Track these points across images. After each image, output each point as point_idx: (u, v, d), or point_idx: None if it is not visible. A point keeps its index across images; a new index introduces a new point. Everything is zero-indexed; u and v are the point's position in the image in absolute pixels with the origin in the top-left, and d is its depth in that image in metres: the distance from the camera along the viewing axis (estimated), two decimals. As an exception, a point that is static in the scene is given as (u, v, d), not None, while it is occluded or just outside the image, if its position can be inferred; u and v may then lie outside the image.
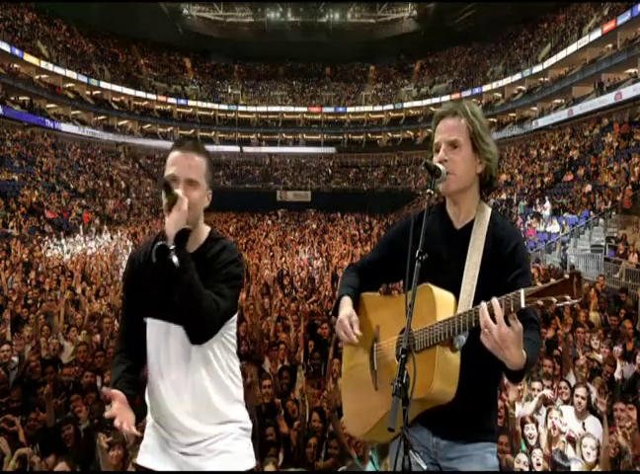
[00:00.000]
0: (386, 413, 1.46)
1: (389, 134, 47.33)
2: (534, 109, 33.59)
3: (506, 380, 4.78)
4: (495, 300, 1.41)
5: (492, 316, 1.41)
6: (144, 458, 1.81)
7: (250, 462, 1.82)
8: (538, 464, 3.83)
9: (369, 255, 1.98)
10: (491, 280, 1.61)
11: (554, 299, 1.33)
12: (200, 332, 1.66)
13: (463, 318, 1.50)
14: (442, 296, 1.60)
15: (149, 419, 1.85)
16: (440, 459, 1.70)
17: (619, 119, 23.14)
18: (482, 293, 1.58)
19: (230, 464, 1.76)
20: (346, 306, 1.79)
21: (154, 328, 1.78)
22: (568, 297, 1.31)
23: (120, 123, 42.16)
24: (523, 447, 4.11)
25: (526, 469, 3.76)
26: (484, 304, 1.43)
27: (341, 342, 1.86)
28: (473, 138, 1.67)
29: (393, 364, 1.65)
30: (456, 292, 1.62)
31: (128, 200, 31.41)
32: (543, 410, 4.43)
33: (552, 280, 1.35)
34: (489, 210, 1.73)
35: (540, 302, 1.34)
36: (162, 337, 1.76)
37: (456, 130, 1.67)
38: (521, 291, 1.37)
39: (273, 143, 48.37)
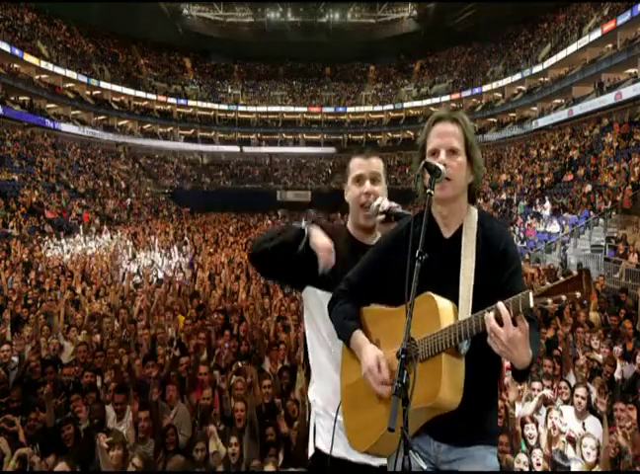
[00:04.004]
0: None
1: (389, 134, 47.34)
2: (534, 109, 33.58)
3: (506, 380, 4.79)
4: (501, 304, 1.41)
5: (497, 320, 1.41)
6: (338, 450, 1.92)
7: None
8: (538, 464, 3.83)
9: (356, 275, 1.88)
10: (487, 283, 1.61)
11: (564, 297, 1.32)
12: None
13: (469, 324, 1.48)
14: (444, 305, 1.58)
15: (322, 406, 2.02)
16: (440, 464, 1.68)
17: (619, 119, 23.15)
18: (480, 297, 1.58)
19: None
20: (367, 348, 1.70)
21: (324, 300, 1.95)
22: (578, 294, 1.31)
23: (120, 123, 42.15)
24: (523, 447, 4.11)
25: (526, 469, 3.76)
26: (488, 314, 1.43)
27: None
28: (468, 148, 1.69)
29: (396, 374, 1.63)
30: (454, 300, 1.61)
31: (128, 200, 31.41)
32: (543, 410, 4.43)
33: (561, 278, 1.34)
34: (475, 212, 1.74)
35: (550, 301, 1.34)
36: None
37: (456, 138, 1.68)
38: (530, 292, 1.37)
39: (273, 143, 48.36)
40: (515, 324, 1.39)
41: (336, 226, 2.18)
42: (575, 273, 1.33)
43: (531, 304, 1.36)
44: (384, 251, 1.82)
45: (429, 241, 1.65)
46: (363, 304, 1.84)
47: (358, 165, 2.09)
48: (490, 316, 1.42)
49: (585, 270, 1.32)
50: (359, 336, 1.74)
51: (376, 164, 2.09)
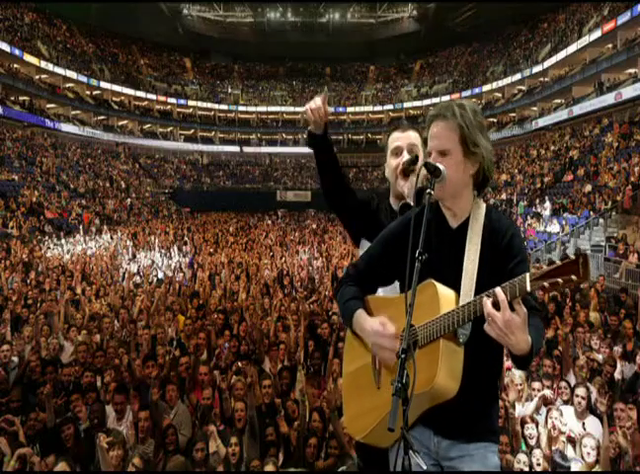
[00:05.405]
0: (388, 413, 1.46)
1: (389, 134, 47.30)
2: (534, 109, 33.59)
3: (506, 380, 4.79)
4: (497, 289, 1.41)
5: (494, 305, 1.41)
6: None
7: None
8: (538, 464, 3.83)
9: (363, 261, 1.90)
10: (490, 274, 1.61)
11: (560, 280, 1.32)
12: None
13: (467, 308, 1.49)
14: (445, 292, 1.59)
15: None
16: (441, 459, 1.69)
17: (619, 119, 23.14)
18: (482, 287, 1.57)
19: None
20: (367, 318, 1.71)
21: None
22: (574, 277, 1.30)
23: (120, 123, 42.15)
24: (523, 447, 4.11)
25: (526, 469, 3.76)
26: (485, 298, 1.43)
27: (341, 341, 1.83)
28: (463, 142, 1.64)
29: (395, 363, 1.64)
30: (457, 289, 1.62)
31: (128, 200, 31.41)
32: (543, 410, 4.43)
33: (557, 262, 1.34)
34: (484, 206, 1.72)
35: (546, 284, 1.33)
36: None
37: (445, 137, 1.64)
38: (527, 275, 1.37)
39: (273, 143, 48.37)
40: (512, 309, 1.38)
41: (381, 191, 2.30)
42: (572, 256, 1.32)
43: (528, 287, 1.35)
44: (391, 239, 1.83)
45: (436, 230, 1.68)
46: (370, 290, 1.85)
47: (395, 138, 2.15)
48: (487, 300, 1.42)
49: (582, 254, 1.32)
50: (361, 314, 1.73)
51: (413, 136, 2.13)
